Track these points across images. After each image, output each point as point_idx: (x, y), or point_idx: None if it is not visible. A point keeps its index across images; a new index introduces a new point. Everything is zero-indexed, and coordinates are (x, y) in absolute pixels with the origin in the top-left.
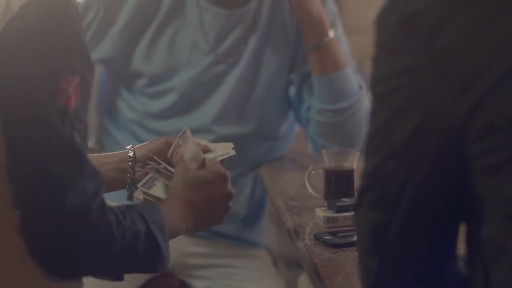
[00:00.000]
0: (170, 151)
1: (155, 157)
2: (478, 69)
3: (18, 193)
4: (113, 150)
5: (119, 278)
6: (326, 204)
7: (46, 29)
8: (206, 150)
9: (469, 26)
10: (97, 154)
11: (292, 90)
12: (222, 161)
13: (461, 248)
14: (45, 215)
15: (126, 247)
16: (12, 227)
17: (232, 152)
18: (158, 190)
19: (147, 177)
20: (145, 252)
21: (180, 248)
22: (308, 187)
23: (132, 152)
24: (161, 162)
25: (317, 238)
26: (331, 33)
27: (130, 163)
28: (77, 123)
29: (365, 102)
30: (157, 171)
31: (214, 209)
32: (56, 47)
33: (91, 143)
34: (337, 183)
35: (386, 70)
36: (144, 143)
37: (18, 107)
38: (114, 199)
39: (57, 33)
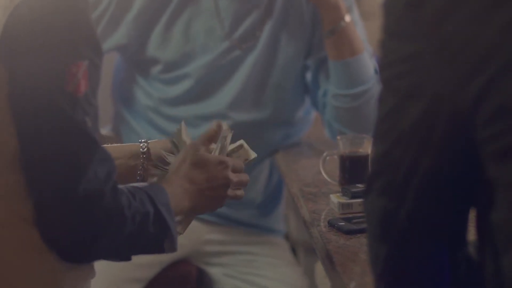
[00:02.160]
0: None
1: (165, 155)
2: (486, 54)
3: (31, 181)
4: (129, 138)
5: (126, 259)
6: (340, 190)
7: (52, 15)
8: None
9: (477, 11)
10: (109, 145)
11: (309, 76)
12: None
13: (472, 234)
14: (59, 200)
15: (136, 228)
16: (23, 220)
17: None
18: None
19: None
20: (154, 233)
21: (197, 236)
22: (323, 173)
23: (145, 148)
24: (167, 169)
25: (331, 224)
26: (347, 18)
27: (141, 160)
28: (88, 107)
29: None
30: (163, 177)
31: (213, 192)
32: (63, 33)
33: (107, 130)
34: (352, 169)
35: (393, 55)
36: (157, 140)
37: (27, 95)
38: None
39: (63, 19)
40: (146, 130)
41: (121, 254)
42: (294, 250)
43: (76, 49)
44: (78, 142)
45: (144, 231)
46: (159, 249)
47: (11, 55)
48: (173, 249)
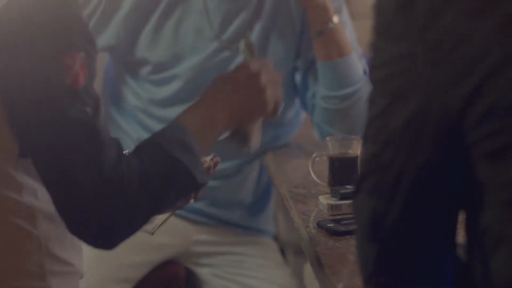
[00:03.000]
0: None
1: None
2: (476, 55)
3: (41, 173)
4: (119, 138)
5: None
6: (330, 191)
7: (42, 9)
8: None
9: (467, 11)
10: None
11: (298, 77)
12: None
13: (461, 236)
14: (85, 190)
15: (156, 187)
16: (15, 215)
17: None
18: None
19: None
20: (177, 178)
21: (186, 236)
22: (312, 174)
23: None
24: None
25: (320, 226)
26: (335, 19)
27: None
28: (88, 99)
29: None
30: None
31: (251, 101)
32: (54, 25)
33: None
34: (341, 170)
35: (383, 56)
36: None
37: (25, 92)
38: None
39: (54, 11)
40: (135, 130)
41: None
42: (283, 251)
43: (69, 40)
44: (79, 133)
45: (166, 184)
46: (192, 185)
47: (3, 52)
48: (204, 179)
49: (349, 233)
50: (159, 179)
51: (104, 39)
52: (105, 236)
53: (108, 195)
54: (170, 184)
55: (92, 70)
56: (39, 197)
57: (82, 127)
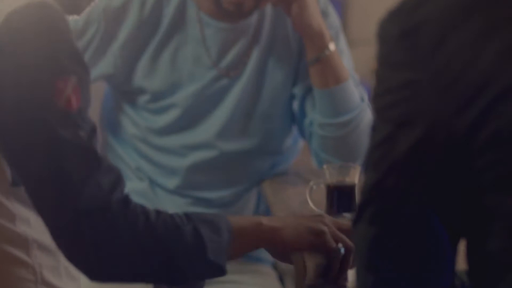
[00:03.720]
0: None
1: None
2: (481, 82)
3: (34, 200)
4: (117, 166)
5: (168, 280)
6: None
7: (34, 34)
8: None
9: (471, 39)
10: None
11: (296, 104)
12: None
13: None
14: (64, 216)
15: (161, 245)
16: (9, 243)
17: None
18: None
19: None
20: (189, 250)
21: None
22: (309, 202)
23: None
24: None
25: None
26: (331, 46)
27: None
28: (82, 123)
29: (368, 114)
30: None
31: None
32: (45, 50)
33: None
34: (338, 198)
35: (387, 84)
36: None
37: (16, 116)
38: None
39: (44, 37)
40: (133, 159)
41: (155, 274)
42: (282, 279)
43: (61, 65)
44: (72, 157)
45: (174, 248)
46: (200, 270)
47: None
48: (219, 270)
49: None
50: (164, 235)
51: (101, 69)
52: (95, 267)
53: (90, 222)
54: (175, 248)
55: (86, 95)
56: (33, 225)
57: (76, 150)
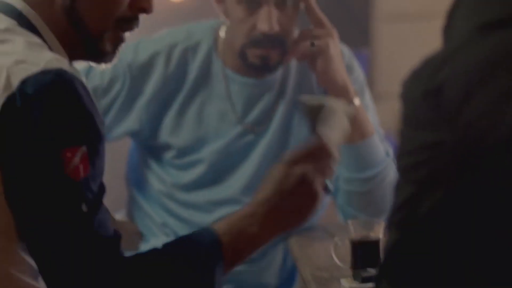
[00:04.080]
0: None
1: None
2: (505, 144)
3: (39, 265)
4: (143, 222)
5: None
6: (352, 274)
7: (45, 102)
8: None
9: (493, 100)
10: None
11: None
12: None
13: None
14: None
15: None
16: None
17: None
18: None
19: None
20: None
21: None
22: (334, 258)
23: None
24: None
25: None
26: (356, 101)
27: None
28: (88, 192)
29: (393, 169)
30: None
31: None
32: (56, 119)
33: (121, 215)
34: (363, 253)
35: (410, 144)
36: None
37: (23, 181)
38: None
39: (57, 105)
40: (159, 215)
41: None
42: None
43: (71, 134)
44: (71, 228)
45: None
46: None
47: (5, 141)
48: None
49: None
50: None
51: (127, 125)
52: None
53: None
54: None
55: (98, 162)
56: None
57: (74, 222)
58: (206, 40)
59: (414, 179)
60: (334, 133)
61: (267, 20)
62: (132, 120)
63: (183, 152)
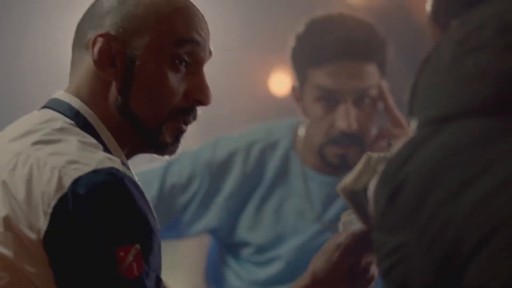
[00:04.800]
0: None
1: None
2: (457, 239)
3: None
4: None
5: None
6: None
7: (98, 201)
8: None
9: (447, 194)
10: None
11: None
12: None
13: None
14: None
15: None
16: None
17: None
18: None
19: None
20: None
21: None
22: None
23: None
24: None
25: None
26: None
27: None
28: None
29: None
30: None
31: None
32: (108, 218)
33: None
34: None
35: (384, 249)
36: None
37: (77, 281)
38: None
39: (108, 204)
40: None
41: None
42: None
43: (124, 233)
44: None
45: None
46: None
47: (60, 241)
48: None
49: None
50: None
51: (205, 222)
52: None
53: None
54: None
55: (154, 259)
56: None
57: None
58: (285, 138)
59: (392, 283)
60: None
61: (345, 119)
62: (211, 218)
63: (261, 249)
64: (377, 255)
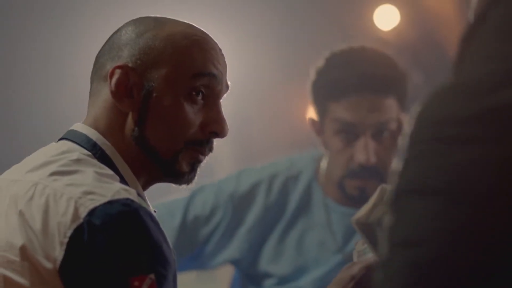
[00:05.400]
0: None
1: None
2: None
3: None
4: None
5: None
6: None
7: (113, 231)
8: None
9: None
10: None
11: None
12: None
13: None
14: None
15: None
16: None
17: None
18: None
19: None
20: None
21: None
22: None
23: None
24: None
25: None
26: None
27: None
28: None
29: None
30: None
31: None
32: (123, 248)
33: None
34: None
35: None
36: None
37: None
38: None
39: (123, 235)
40: None
41: None
42: None
43: (138, 263)
44: None
45: None
46: None
47: (76, 272)
48: None
49: None
50: None
51: (228, 253)
52: None
53: None
54: None
55: None
56: None
57: None
58: (307, 170)
59: None
60: None
61: (364, 152)
62: (233, 249)
63: (283, 280)
64: None
